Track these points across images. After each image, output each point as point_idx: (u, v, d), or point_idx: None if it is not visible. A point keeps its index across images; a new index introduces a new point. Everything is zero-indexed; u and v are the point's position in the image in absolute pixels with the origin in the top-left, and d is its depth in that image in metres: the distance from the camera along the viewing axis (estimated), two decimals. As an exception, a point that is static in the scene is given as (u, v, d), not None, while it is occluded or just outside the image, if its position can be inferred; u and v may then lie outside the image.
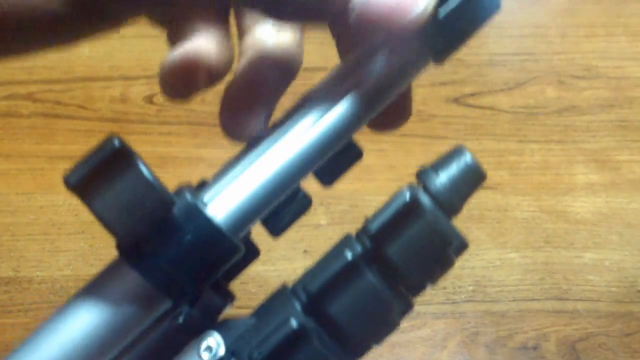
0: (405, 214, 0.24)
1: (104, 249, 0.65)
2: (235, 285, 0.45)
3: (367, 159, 0.67)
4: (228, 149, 0.81)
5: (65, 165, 0.77)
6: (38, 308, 0.62)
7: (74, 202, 0.70)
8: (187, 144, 0.72)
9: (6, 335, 0.61)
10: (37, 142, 0.72)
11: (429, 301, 0.62)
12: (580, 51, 0.77)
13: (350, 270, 0.24)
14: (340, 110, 0.25)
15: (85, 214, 0.73)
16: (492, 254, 0.65)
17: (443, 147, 0.79)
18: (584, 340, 0.60)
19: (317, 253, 0.61)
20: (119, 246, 0.25)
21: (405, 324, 0.65)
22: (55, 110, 0.74)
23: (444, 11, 0.24)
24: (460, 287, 0.63)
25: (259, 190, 0.24)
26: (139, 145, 0.82)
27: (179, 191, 0.24)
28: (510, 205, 0.67)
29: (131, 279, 0.24)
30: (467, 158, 0.25)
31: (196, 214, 0.23)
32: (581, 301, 0.62)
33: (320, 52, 0.82)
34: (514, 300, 0.62)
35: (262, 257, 0.68)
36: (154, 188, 0.23)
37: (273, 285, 0.52)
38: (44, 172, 0.70)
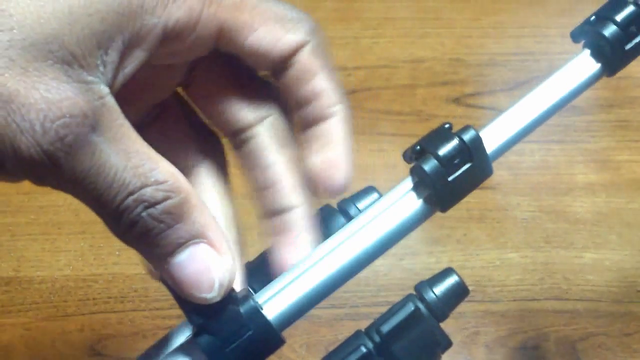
0: (409, 321, 0.32)
1: (104, 248, 0.65)
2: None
3: (367, 159, 0.67)
4: (228, 148, 0.81)
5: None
6: (38, 308, 0.62)
7: (75, 202, 0.69)
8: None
9: (7, 335, 0.61)
10: (37, 142, 0.72)
11: (429, 301, 0.62)
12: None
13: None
14: (364, 248, 0.33)
15: (85, 214, 0.73)
16: (492, 254, 0.65)
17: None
18: (584, 340, 0.60)
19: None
20: (195, 331, 0.31)
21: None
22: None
23: (452, 176, 0.32)
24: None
25: (302, 298, 0.32)
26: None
27: (244, 294, 0.31)
28: (510, 205, 0.67)
29: (197, 353, 0.31)
30: (455, 278, 0.34)
31: (257, 315, 0.30)
32: (581, 301, 0.62)
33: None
34: (514, 300, 0.62)
35: (262, 257, 0.67)
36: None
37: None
38: (44, 172, 0.70)
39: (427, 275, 0.66)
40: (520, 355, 0.60)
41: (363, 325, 0.62)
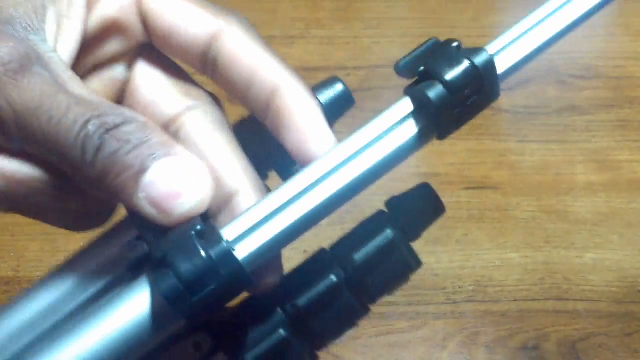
0: (384, 248, 0.30)
1: (103, 249, 0.65)
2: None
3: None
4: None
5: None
6: (38, 308, 0.62)
7: (74, 202, 0.70)
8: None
9: (6, 336, 0.60)
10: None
11: (429, 301, 0.62)
12: (581, 51, 0.77)
13: (334, 291, 0.29)
14: (347, 179, 0.29)
15: (85, 214, 0.72)
16: (492, 254, 0.65)
17: (443, 147, 0.79)
18: (585, 340, 0.60)
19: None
20: (152, 259, 0.27)
21: (405, 324, 0.65)
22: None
23: (460, 107, 0.29)
24: (460, 287, 0.63)
25: (275, 238, 0.28)
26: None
27: (211, 230, 0.27)
28: (510, 206, 0.67)
29: (155, 296, 0.27)
30: (431, 193, 0.31)
31: (230, 260, 0.26)
32: (581, 301, 0.62)
33: (320, 52, 0.83)
34: (515, 301, 0.62)
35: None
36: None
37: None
38: (44, 172, 0.70)
39: (427, 275, 0.66)
40: (521, 356, 0.60)
41: (365, 325, 0.62)
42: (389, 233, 0.30)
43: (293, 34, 0.80)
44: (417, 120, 0.29)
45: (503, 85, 0.82)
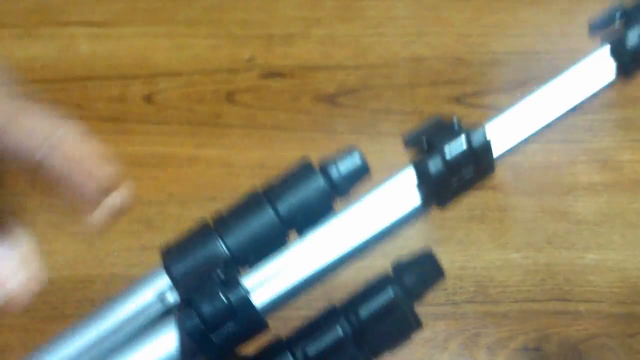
0: (387, 306, 0.33)
1: (102, 249, 0.64)
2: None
3: (368, 159, 0.67)
4: (227, 148, 0.81)
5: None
6: (36, 309, 0.62)
7: (72, 203, 0.70)
8: (186, 143, 0.72)
9: (4, 337, 0.60)
10: (35, 142, 0.71)
11: (430, 302, 0.62)
12: (582, 50, 0.77)
13: (340, 342, 0.32)
14: (357, 242, 0.34)
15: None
16: (494, 255, 0.64)
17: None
18: (586, 341, 0.60)
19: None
20: (180, 301, 0.32)
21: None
22: (53, 110, 0.74)
23: (455, 177, 0.33)
24: (461, 288, 0.63)
25: (289, 289, 0.32)
26: (138, 145, 0.82)
27: (233, 278, 0.31)
28: (511, 206, 0.67)
29: (182, 333, 0.32)
30: (433, 261, 0.34)
31: (247, 304, 0.31)
32: (583, 302, 0.62)
33: (320, 51, 0.83)
34: (516, 301, 0.62)
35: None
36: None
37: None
38: (42, 172, 0.69)
39: (428, 276, 0.65)
40: (522, 357, 0.59)
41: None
42: (391, 292, 0.33)
43: (293, 33, 0.79)
44: (420, 190, 0.34)
45: (504, 85, 0.82)
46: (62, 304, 0.62)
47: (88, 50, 0.78)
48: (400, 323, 0.33)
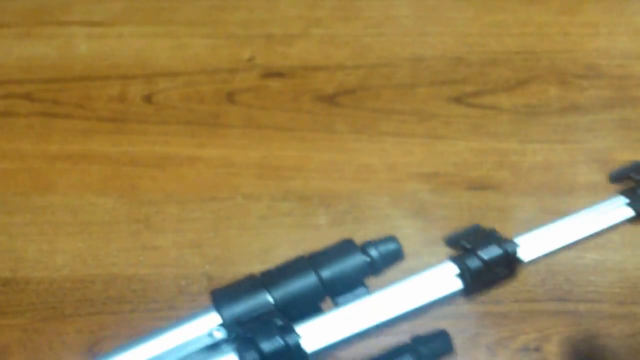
0: None
1: (102, 249, 0.64)
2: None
3: (367, 159, 0.67)
4: (227, 148, 0.81)
5: (63, 165, 0.77)
6: (35, 309, 0.62)
7: (72, 202, 0.70)
8: (185, 143, 0.71)
9: (4, 337, 0.60)
10: (34, 142, 0.71)
11: (430, 302, 0.62)
12: (583, 50, 0.77)
13: None
14: (399, 313, 0.40)
15: (83, 214, 0.73)
16: (494, 255, 0.64)
17: (444, 147, 0.78)
18: (586, 341, 0.60)
19: (317, 254, 0.59)
20: (239, 338, 0.38)
21: (405, 325, 0.64)
22: (52, 110, 0.74)
23: (489, 278, 0.41)
24: (461, 288, 0.63)
25: (336, 342, 0.39)
26: (138, 145, 0.82)
27: (288, 324, 0.38)
28: (511, 206, 0.67)
29: None
30: (446, 340, 0.42)
31: (299, 348, 0.37)
32: (583, 302, 0.62)
33: (320, 51, 0.83)
34: (516, 302, 0.62)
35: (262, 257, 0.68)
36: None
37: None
38: (42, 172, 0.69)
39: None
40: (522, 357, 0.59)
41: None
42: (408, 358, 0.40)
43: (293, 33, 0.79)
44: (458, 279, 0.41)
45: (504, 85, 0.81)
46: (61, 304, 0.62)
47: (88, 50, 0.78)
48: None
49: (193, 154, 0.71)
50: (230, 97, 0.75)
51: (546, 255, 0.43)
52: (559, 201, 0.67)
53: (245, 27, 0.80)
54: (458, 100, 0.74)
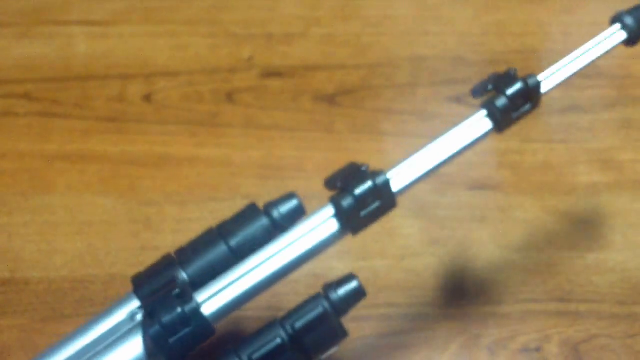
0: (318, 319, 0.41)
1: (101, 249, 0.64)
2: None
3: (368, 159, 0.66)
4: (227, 148, 0.81)
5: (62, 165, 0.77)
6: (35, 309, 0.61)
7: (71, 202, 0.69)
8: (185, 143, 0.71)
9: (3, 337, 0.60)
10: (33, 142, 0.71)
11: (431, 303, 0.62)
12: (583, 50, 0.77)
13: (280, 349, 0.41)
14: (285, 261, 0.44)
15: (82, 215, 0.73)
16: (494, 255, 0.64)
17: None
18: (587, 342, 0.60)
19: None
20: (144, 313, 0.41)
21: (406, 325, 0.65)
22: (51, 110, 0.74)
23: (364, 211, 0.44)
24: (461, 288, 0.63)
25: (234, 299, 0.42)
26: (137, 145, 0.82)
27: (186, 292, 0.41)
28: (512, 206, 0.67)
29: (146, 338, 0.40)
30: (355, 283, 0.43)
31: (198, 314, 0.40)
32: (584, 303, 0.62)
33: (320, 51, 0.83)
34: (516, 302, 0.62)
35: (261, 258, 0.66)
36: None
37: (273, 286, 0.51)
38: (41, 172, 0.69)
39: (428, 276, 0.66)
40: (523, 358, 0.59)
41: (365, 327, 0.62)
42: (320, 308, 0.41)
43: (292, 33, 0.79)
44: (337, 221, 0.44)
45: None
46: (60, 305, 0.61)
47: (87, 49, 0.78)
48: (328, 332, 0.41)
49: (193, 154, 0.71)
50: (230, 96, 0.75)
51: (417, 181, 0.46)
52: (559, 201, 0.67)
53: (245, 27, 0.80)
54: (458, 100, 0.74)
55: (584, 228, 0.66)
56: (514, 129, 0.74)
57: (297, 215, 0.45)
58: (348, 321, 0.61)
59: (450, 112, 0.73)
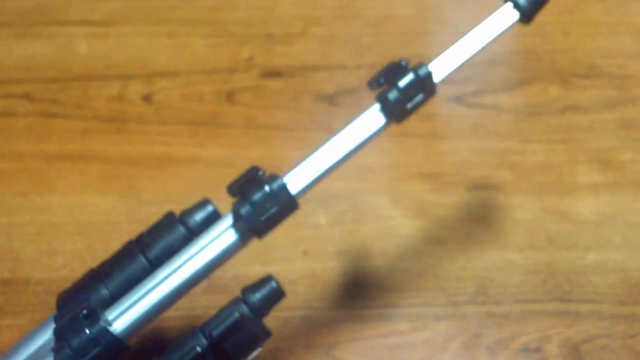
0: (236, 324, 0.41)
1: (100, 250, 0.64)
2: (236, 286, 0.45)
3: (368, 159, 0.66)
4: (226, 148, 0.80)
5: (62, 165, 0.77)
6: (34, 310, 0.61)
7: (71, 202, 0.69)
8: (185, 143, 0.71)
9: (2, 337, 0.60)
10: (33, 142, 0.71)
11: (430, 303, 0.62)
12: (584, 49, 0.77)
13: (200, 358, 0.41)
14: (190, 272, 0.44)
15: (82, 215, 0.73)
16: (494, 255, 0.64)
17: (444, 147, 0.78)
18: (587, 342, 0.60)
19: (317, 253, 0.60)
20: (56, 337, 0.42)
21: (405, 325, 0.65)
22: (51, 110, 0.74)
23: (264, 216, 0.44)
24: (461, 288, 0.62)
25: (142, 315, 0.43)
26: (137, 145, 0.82)
27: (94, 313, 0.41)
28: (512, 206, 0.67)
29: None
30: (273, 284, 0.43)
31: (106, 333, 0.41)
32: (584, 303, 0.62)
33: (320, 51, 0.83)
34: (516, 302, 0.62)
35: (261, 257, 0.67)
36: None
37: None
38: (41, 172, 0.69)
39: (428, 276, 0.66)
40: (523, 358, 0.59)
41: (365, 327, 0.62)
42: (237, 314, 0.41)
43: (292, 32, 0.79)
44: (237, 228, 0.44)
45: (504, 85, 0.81)
46: (60, 305, 0.61)
47: (87, 49, 0.78)
48: (248, 336, 0.42)
49: (193, 154, 0.71)
50: (230, 96, 0.75)
51: (315, 182, 0.45)
52: (560, 201, 0.67)
53: (245, 27, 0.80)
54: (458, 100, 0.74)
55: (583, 228, 0.66)
56: (514, 129, 0.74)
57: (213, 220, 0.45)
58: (348, 321, 0.61)
59: (450, 111, 0.73)
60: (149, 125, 0.73)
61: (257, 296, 0.42)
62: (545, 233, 0.65)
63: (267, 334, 0.42)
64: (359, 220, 0.66)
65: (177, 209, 0.67)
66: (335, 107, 0.74)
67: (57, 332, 0.41)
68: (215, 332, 0.41)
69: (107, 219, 0.66)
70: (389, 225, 0.66)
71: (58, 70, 0.76)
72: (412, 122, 0.75)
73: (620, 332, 0.60)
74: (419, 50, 0.78)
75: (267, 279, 0.43)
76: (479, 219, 0.66)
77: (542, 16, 0.81)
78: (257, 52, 0.78)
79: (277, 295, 0.43)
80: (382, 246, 0.65)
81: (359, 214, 0.66)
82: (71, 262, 0.64)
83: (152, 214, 0.67)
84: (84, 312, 0.40)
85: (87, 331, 0.40)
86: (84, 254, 0.64)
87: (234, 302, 0.42)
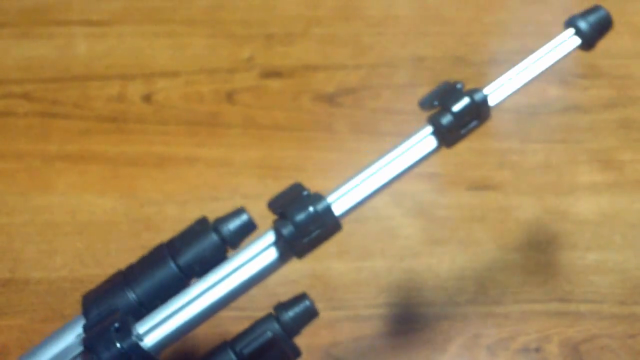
0: (268, 343, 0.41)
1: (100, 249, 0.64)
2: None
3: (368, 159, 0.66)
4: (226, 148, 0.81)
5: (62, 165, 0.77)
6: (34, 310, 0.61)
7: (71, 202, 0.69)
8: (185, 143, 0.71)
9: (2, 337, 0.60)
10: (33, 142, 0.71)
11: (430, 303, 0.62)
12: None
13: None
14: (229, 288, 0.43)
15: (82, 215, 0.73)
16: (494, 255, 0.64)
17: (445, 147, 0.76)
18: (587, 342, 0.60)
19: (317, 253, 0.61)
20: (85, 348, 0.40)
21: (406, 325, 0.64)
22: (51, 110, 0.74)
23: (306, 238, 0.42)
24: (462, 288, 0.62)
25: (177, 329, 0.42)
26: (137, 145, 0.82)
27: (126, 326, 0.40)
28: (512, 206, 0.67)
29: None
30: (307, 303, 0.42)
31: (137, 348, 0.39)
32: (584, 303, 0.62)
33: (320, 51, 0.83)
34: (516, 302, 0.62)
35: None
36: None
37: (273, 286, 0.52)
38: (41, 172, 0.69)
39: (428, 276, 0.65)
40: (523, 358, 0.59)
41: (365, 327, 0.62)
42: (269, 333, 0.41)
43: (292, 32, 0.79)
44: (278, 248, 0.43)
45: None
46: (60, 305, 0.61)
47: (87, 49, 0.78)
48: (279, 355, 0.41)
49: (192, 154, 0.71)
50: (230, 97, 0.75)
51: (361, 204, 0.44)
52: (560, 201, 0.67)
53: (245, 27, 0.80)
54: (458, 100, 0.74)
55: (583, 228, 0.66)
56: (514, 129, 0.74)
57: (248, 230, 0.44)
58: (348, 321, 0.61)
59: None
60: (148, 125, 0.73)
61: (290, 314, 0.41)
62: (545, 233, 0.65)
63: (297, 353, 0.41)
64: (359, 220, 0.66)
65: (177, 209, 0.68)
66: (335, 107, 0.74)
67: (86, 343, 0.39)
68: (246, 351, 0.40)
69: (107, 219, 0.66)
70: (389, 225, 0.66)
71: (58, 70, 0.76)
72: (412, 122, 0.76)
73: (620, 332, 0.60)
74: (419, 51, 0.78)
75: (302, 297, 0.42)
76: (479, 219, 0.66)
77: (542, 16, 0.81)
78: (257, 52, 0.78)
79: (311, 314, 0.42)
80: (382, 246, 0.65)
81: (359, 213, 0.66)
82: (71, 262, 0.64)
83: (152, 214, 0.67)
84: (116, 325, 0.39)
85: (118, 345, 0.39)
86: (84, 254, 0.64)
87: (267, 320, 0.41)
